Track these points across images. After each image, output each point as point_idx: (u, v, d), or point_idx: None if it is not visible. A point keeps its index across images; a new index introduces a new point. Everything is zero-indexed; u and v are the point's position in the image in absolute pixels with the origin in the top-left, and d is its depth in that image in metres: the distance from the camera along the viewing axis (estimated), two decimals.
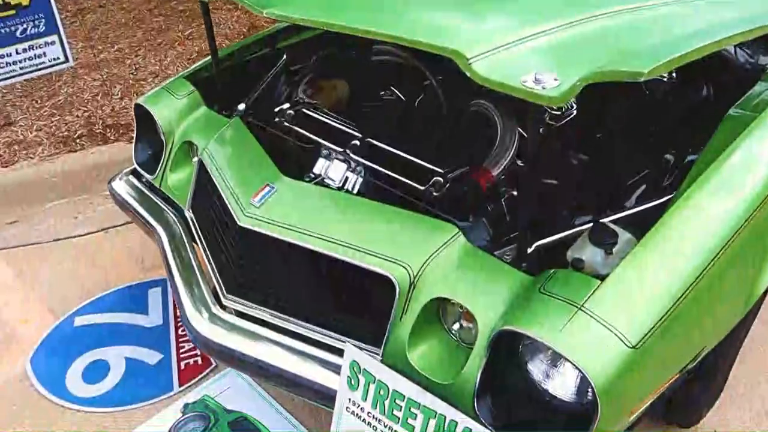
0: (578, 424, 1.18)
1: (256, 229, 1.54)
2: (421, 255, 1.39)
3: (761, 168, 1.43)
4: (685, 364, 1.33)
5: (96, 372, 2.14)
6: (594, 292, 1.19)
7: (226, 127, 1.92)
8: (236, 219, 1.59)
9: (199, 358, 2.15)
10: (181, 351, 2.19)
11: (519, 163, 1.77)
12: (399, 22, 1.45)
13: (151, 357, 2.19)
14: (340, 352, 1.43)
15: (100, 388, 2.09)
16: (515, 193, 1.72)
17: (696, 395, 1.68)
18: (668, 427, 1.87)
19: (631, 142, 1.81)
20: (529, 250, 1.42)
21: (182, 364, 2.15)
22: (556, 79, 1.11)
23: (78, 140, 3.08)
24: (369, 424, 1.37)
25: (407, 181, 1.60)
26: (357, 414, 1.39)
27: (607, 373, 1.11)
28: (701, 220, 1.32)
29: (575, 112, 1.86)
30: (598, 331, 1.14)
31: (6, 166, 2.97)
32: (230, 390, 2.04)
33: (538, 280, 1.28)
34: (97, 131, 3.11)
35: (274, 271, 1.57)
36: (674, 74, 1.96)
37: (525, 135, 1.83)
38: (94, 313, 2.38)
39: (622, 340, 1.14)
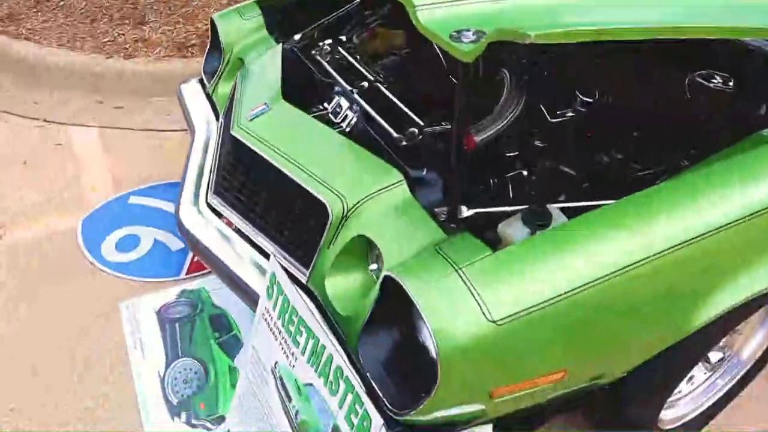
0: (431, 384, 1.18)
1: (241, 138, 1.67)
2: (360, 192, 1.45)
3: (727, 196, 1.29)
4: (580, 375, 1.28)
5: (128, 243, 2.44)
6: (480, 259, 1.18)
7: (267, 51, 2.06)
8: (230, 127, 1.73)
9: None
10: None
11: (537, 143, 1.75)
12: None
13: (175, 244, 2.44)
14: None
15: (125, 257, 2.38)
16: (524, 172, 1.72)
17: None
18: None
19: (650, 141, 1.69)
20: (467, 214, 1.41)
21: (196, 257, 2.38)
22: (480, 38, 1.11)
23: (190, 48, 3.40)
24: (273, 332, 1.47)
25: (387, 126, 1.64)
26: (268, 321, 1.49)
27: (455, 335, 1.11)
28: (629, 227, 1.23)
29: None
30: (463, 296, 1.14)
31: (127, 59, 3.36)
32: (225, 290, 2.22)
33: None
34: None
35: (247, 179, 1.70)
36: (731, 83, 1.78)
37: (549, 118, 1.80)
38: (147, 197, 2.68)
39: (483, 311, 1.12)
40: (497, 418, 1.33)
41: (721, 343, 1.76)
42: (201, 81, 2.45)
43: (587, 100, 1.80)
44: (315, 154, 1.57)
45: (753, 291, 1.33)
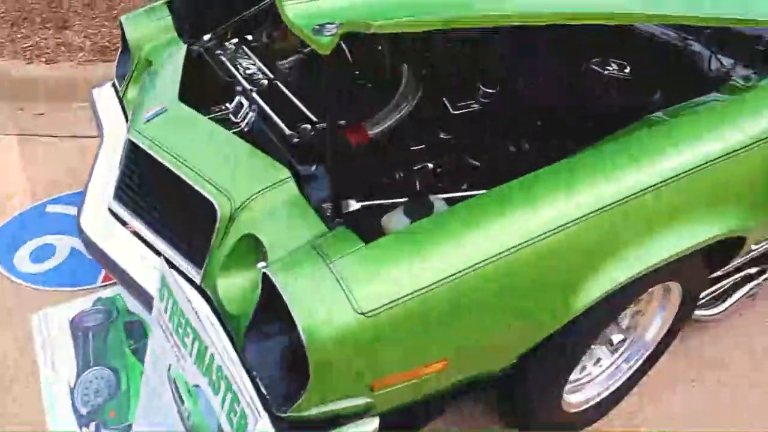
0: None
1: (135, 141, 1.65)
2: (247, 190, 1.44)
3: (607, 179, 1.32)
4: (464, 364, 1.29)
5: (43, 253, 2.38)
6: (351, 253, 1.18)
7: (171, 52, 2.04)
8: (128, 132, 1.70)
9: None
10: None
11: (442, 135, 1.77)
12: None
13: None
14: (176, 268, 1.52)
15: (39, 267, 2.33)
16: (430, 166, 1.72)
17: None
18: None
19: (549, 128, 1.72)
20: (355, 208, 1.42)
21: None
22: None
23: (114, 52, 3.33)
24: (166, 335, 1.45)
25: (281, 124, 1.64)
26: (161, 324, 1.47)
27: (324, 329, 1.11)
28: (505, 213, 1.24)
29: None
30: (332, 289, 1.14)
31: (48, 64, 3.28)
32: None
33: None
34: None
35: (143, 182, 1.67)
36: (626, 70, 1.82)
37: (451, 110, 1.82)
38: (65, 205, 2.62)
39: (352, 304, 1.12)
40: (387, 410, 1.33)
41: (624, 326, 1.80)
42: (114, 85, 2.40)
43: (489, 91, 1.83)
44: (206, 154, 1.55)
45: (633, 272, 1.35)
